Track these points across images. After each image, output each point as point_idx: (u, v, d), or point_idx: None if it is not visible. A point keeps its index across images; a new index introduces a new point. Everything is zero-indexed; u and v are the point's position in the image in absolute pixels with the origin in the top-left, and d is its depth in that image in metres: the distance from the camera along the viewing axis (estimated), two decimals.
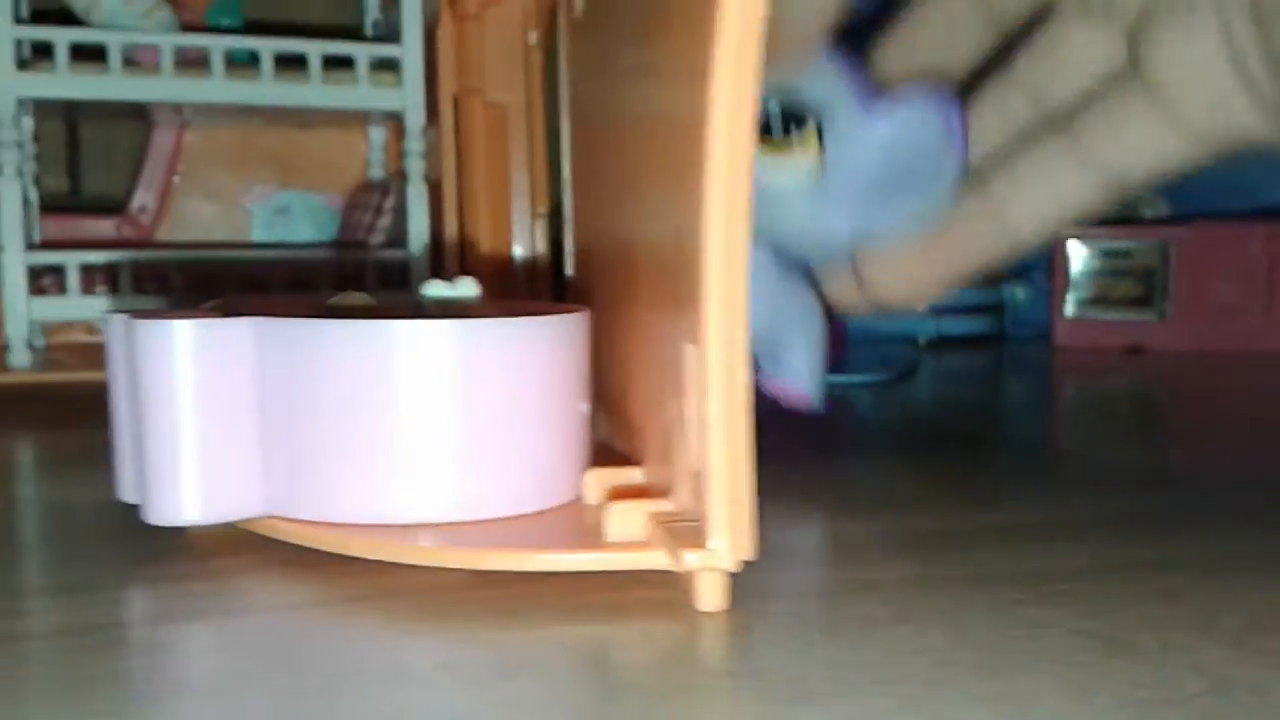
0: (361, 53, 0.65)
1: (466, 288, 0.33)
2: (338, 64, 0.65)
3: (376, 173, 0.79)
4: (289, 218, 0.80)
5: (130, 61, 0.62)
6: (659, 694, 0.19)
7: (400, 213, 0.69)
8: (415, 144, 0.66)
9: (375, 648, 0.22)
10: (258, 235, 0.80)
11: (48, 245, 0.69)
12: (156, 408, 0.26)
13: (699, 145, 0.21)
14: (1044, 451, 0.45)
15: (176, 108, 0.68)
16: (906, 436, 0.48)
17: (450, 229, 0.65)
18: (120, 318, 0.27)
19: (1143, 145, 0.28)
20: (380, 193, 0.72)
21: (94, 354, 0.69)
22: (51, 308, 0.63)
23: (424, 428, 0.26)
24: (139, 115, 0.74)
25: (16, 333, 0.62)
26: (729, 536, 0.22)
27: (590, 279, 0.38)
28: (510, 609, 0.24)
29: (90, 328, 0.74)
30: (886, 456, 0.43)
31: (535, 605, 0.24)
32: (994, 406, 0.60)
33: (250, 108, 0.66)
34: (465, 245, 0.64)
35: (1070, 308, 0.89)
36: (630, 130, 0.29)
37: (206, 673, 0.21)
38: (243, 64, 0.65)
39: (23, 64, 0.61)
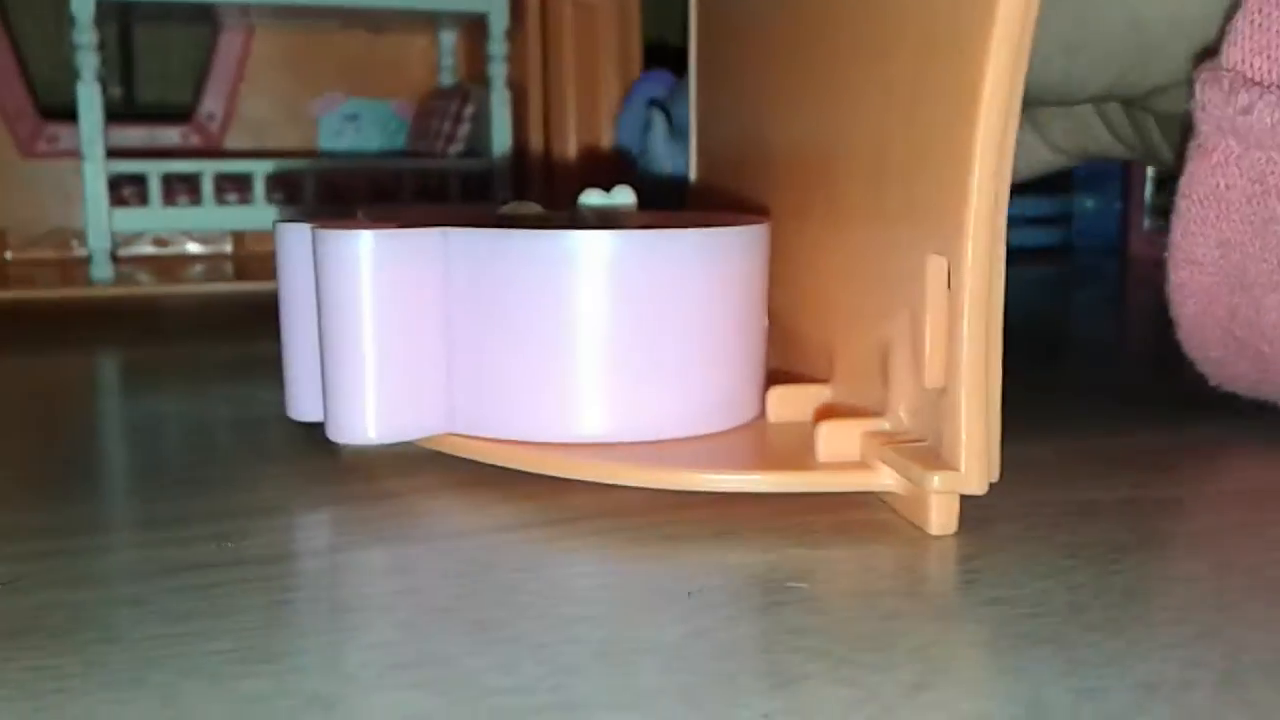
0: None
1: (624, 196, 0.32)
2: None
3: (446, 79, 0.77)
4: (357, 125, 0.78)
5: None
6: (933, 619, 0.19)
7: (481, 120, 0.67)
8: (499, 47, 0.64)
9: (608, 571, 0.21)
10: (325, 143, 0.78)
11: (120, 153, 0.67)
12: (343, 321, 0.25)
13: (978, 53, 0.19)
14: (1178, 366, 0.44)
15: (244, 9, 0.66)
16: (1020, 350, 0.47)
17: (535, 136, 0.63)
18: (298, 227, 0.26)
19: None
20: (459, 99, 0.70)
21: (165, 266, 0.68)
22: (133, 219, 0.62)
23: (614, 342, 0.25)
24: (200, 18, 0.72)
25: (98, 245, 0.61)
26: (979, 458, 0.21)
27: (729, 186, 0.37)
28: (726, 531, 0.23)
29: (159, 239, 0.73)
30: (1012, 371, 0.42)
31: (750, 528, 0.23)
32: (1093, 318, 0.58)
33: (324, 9, 0.64)
34: (551, 152, 0.63)
35: (1147, 220, 0.87)
36: (832, 37, 0.27)
37: (447, 594, 0.20)
38: None
39: None
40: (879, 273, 0.24)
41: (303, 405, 0.27)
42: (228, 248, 0.74)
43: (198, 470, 0.28)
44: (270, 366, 0.41)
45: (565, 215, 0.30)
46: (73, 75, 0.59)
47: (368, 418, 0.25)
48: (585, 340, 0.25)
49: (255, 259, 0.72)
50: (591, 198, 0.32)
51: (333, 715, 0.15)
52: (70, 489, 0.26)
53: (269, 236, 0.78)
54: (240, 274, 0.65)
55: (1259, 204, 0.26)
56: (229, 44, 0.75)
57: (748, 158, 0.34)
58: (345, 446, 0.29)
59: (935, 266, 0.21)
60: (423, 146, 0.74)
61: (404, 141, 0.78)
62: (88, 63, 0.59)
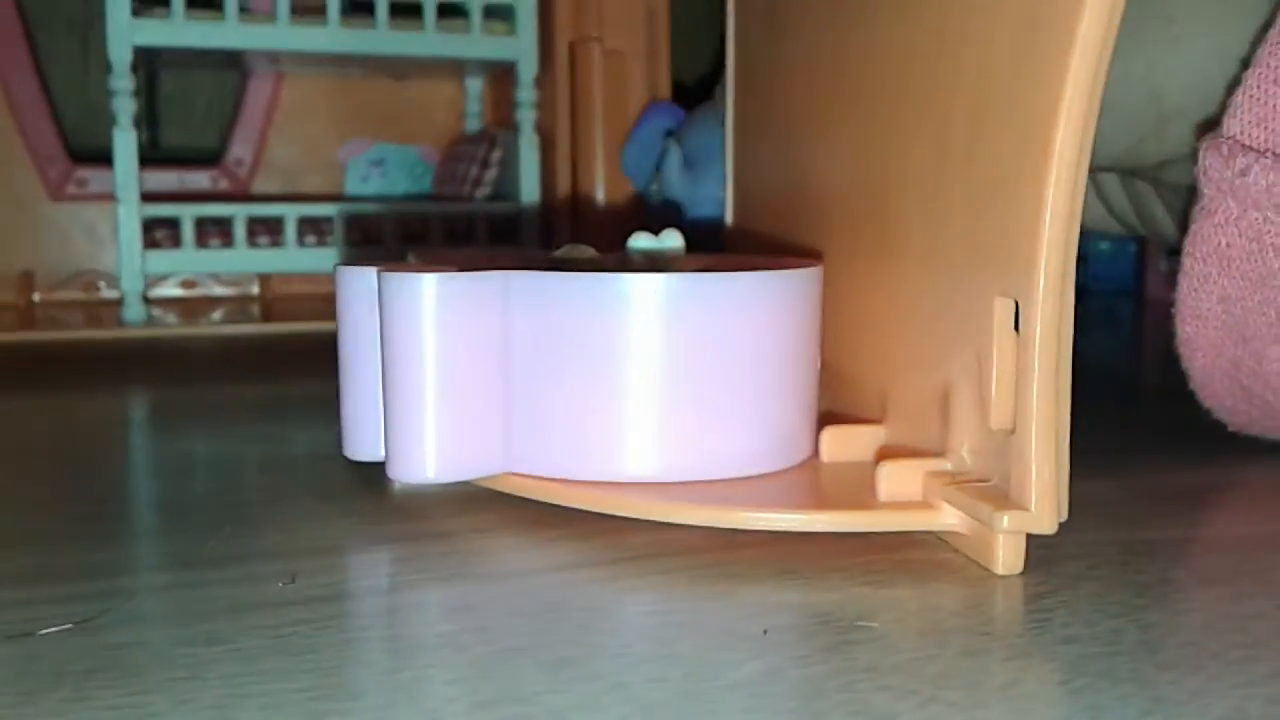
0: (475, 0, 0.64)
1: (673, 240, 0.32)
2: (446, 12, 0.64)
3: (472, 124, 0.78)
4: (383, 170, 0.79)
5: (243, 9, 0.61)
6: (1009, 658, 0.19)
7: (508, 165, 0.68)
8: (527, 94, 0.64)
9: (675, 610, 0.21)
10: (351, 188, 0.79)
11: (151, 197, 0.68)
12: (405, 361, 0.25)
13: (1050, 98, 0.19)
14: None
15: (273, 57, 0.67)
16: None
17: (563, 181, 0.64)
18: (359, 270, 0.27)
19: None
20: (486, 144, 0.71)
21: (191, 308, 0.69)
22: (165, 261, 0.63)
23: (671, 383, 0.25)
24: (229, 65, 0.73)
25: (131, 287, 0.61)
26: (1050, 498, 0.21)
27: (771, 228, 0.37)
28: (786, 571, 0.23)
29: (186, 282, 0.74)
30: None
31: (810, 568, 0.23)
32: (1116, 358, 0.58)
33: (353, 57, 0.64)
34: (578, 197, 0.63)
35: (1164, 261, 0.87)
36: (882, 81, 0.27)
37: (518, 632, 0.20)
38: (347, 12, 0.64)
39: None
40: (936, 314, 0.24)
41: (359, 445, 0.28)
42: (254, 289, 0.74)
43: (247, 510, 0.28)
44: (304, 407, 0.41)
45: (617, 258, 0.30)
46: (101, 119, 0.60)
47: (427, 457, 0.25)
48: (642, 381, 0.25)
49: (281, 300, 0.72)
50: (640, 241, 0.32)
51: None
52: (124, 528, 0.26)
53: (296, 279, 0.78)
54: (267, 315, 0.66)
55: (1257, 261, 0.27)
56: (258, 90, 0.76)
57: (791, 200, 0.35)
58: (398, 485, 0.29)
59: (1001, 308, 0.22)
60: (448, 190, 0.74)
61: (429, 186, 0.79)
62: (124, 108, 0.59)
